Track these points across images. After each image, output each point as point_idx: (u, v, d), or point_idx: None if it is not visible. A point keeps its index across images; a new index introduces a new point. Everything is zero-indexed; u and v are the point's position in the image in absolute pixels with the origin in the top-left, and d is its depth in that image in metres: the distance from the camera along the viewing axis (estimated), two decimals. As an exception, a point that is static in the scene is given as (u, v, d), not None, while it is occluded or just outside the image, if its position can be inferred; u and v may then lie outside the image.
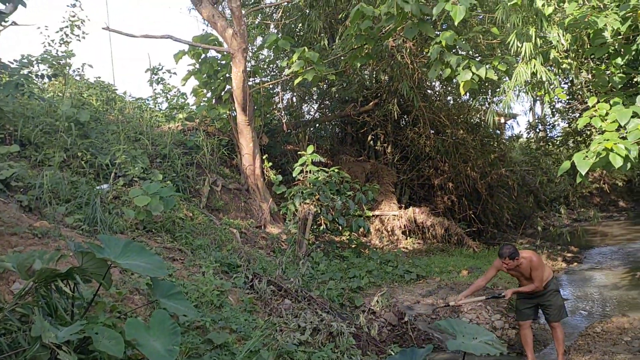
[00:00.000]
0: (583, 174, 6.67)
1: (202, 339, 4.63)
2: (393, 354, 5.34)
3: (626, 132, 6.44)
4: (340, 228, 10.19)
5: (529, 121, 36.57)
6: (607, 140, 6.35)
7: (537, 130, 21.52)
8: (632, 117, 6.48)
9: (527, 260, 6.24)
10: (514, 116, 23.77)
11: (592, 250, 15.32)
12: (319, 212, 9.34)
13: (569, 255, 14.17)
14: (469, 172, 14.24)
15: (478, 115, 14.98)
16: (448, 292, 7.94)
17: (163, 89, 13.31)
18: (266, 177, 10.59)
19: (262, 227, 9.76)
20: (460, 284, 8.35)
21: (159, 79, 13.17)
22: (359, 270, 8.28)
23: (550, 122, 22.10)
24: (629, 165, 6.45)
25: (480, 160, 14.34)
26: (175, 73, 23.54)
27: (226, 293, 5.73)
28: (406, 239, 13.30)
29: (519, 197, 16.45)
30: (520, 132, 25.27)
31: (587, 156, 6.60)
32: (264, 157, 10.57)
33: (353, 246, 11.42)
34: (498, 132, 16.99)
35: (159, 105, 13.20)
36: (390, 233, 13.33)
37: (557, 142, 18.70)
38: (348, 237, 12.02)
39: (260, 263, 7.09)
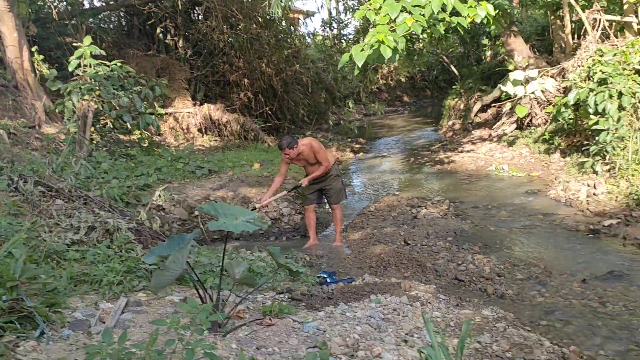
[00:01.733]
0: (359, 65, 7.03)
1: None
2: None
3: (396, 26, 6.83)
4: (129, 126, 9.65)
5: (323, 19, 37.54)
6: (379, 33, 6.70)
7: (332, 27, 22.15)
8: (401, 11, 6.86)
9: (307, 146, 6.50)
10: (310, 14, 24.14)
11: (377, 141, 16.70)
12: (101, 109, 8.68)
13: (357, 146, 15.28)
14: (264, 68, 14.25)
15: (270, 11, 14.81)
16: (239, 185, 8.09)
17: None
18: (38, 72, 9.47)
19: (37, 127, 8.84)
20: (251, 176, 8.54)
21: None
22: (147, 168, 7.99)
23: (344, 20, 22.87)
24: (397, 56, 6.94)
25: (275, 56, 14.39)
26: None
27: (-15, 198, 5.14)
28: (202, 136, 13.14)
29: (314, 94, 17.02)
30: (315, 29, 25.76)
31: (363, 49, 6.92)
32: (33, 49, 9.38)
33: (145, 145, 10.99)
34: (292, 28, 17.09)
35: None
36: (185, 131, 13.05)
37: (350, 40, 19.53)
38: (139, 135, 11.50)
39: (30, 164, 6.45)
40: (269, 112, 14.93)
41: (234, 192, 7.72)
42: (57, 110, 9.07)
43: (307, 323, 3.48)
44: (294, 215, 7.70)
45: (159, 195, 6.15)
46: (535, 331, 3.95)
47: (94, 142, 8.89)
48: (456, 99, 16.68)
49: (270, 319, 3.49)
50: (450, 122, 16.42)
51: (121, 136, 11.10)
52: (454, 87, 17.58)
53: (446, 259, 5.58)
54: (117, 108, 8.94)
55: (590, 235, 6.34)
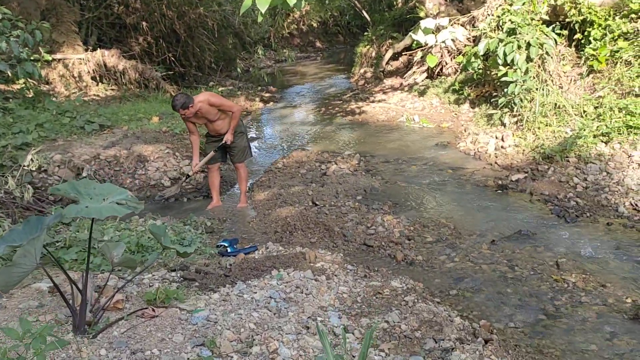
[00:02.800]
0: (263, 12, 6.44)
1: None
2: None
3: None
4: (10, 75, 8.54)
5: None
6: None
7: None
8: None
9: (204, 102, 5.90)
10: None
11: (289, 90, 16.13)
12: (-30, 55, 7.58)
13: (267, 95, 14.66)
14: (164, 10, 13.16)
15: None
16: (134, 141, 7.37)
17: None
18: None
19: None
20: (148, 132, 7.83)
21: None
22: (27, 124, 7.09)
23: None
24: (303, 3, 6.40)
25: (176, -3, 13.32)
26: None
27: None
28: (97, 85, 12.05)
29: (222, 39, 16.07)
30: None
31: (266, -8, 6.32)
32: None
33: (29, 96, 9.90)
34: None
35: None
36: (77, 79, 11.90)
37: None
38: (23, 85, 10.35)
39: None
40: (172, 59, 13.93)
41: (128, 149, 7.01)
42: None
43: (196, 312, 3.06)
44: (195, 174, 7.14)
45: (31, 160, 5.39)
46: (445, 303, 3.75)
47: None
48: (368, 46, 16.32)
49: (153, 310, 3.04)
50: (362, 70, 16.10)
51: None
52: (365, 34, 17.18)
53: (355, 222, 5.30)
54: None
55: (499, 191, 6.27)
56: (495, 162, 7.28)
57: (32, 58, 10.83)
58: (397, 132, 9.63)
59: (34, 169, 5.38)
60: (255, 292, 3.45)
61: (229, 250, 4.66)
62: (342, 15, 25.88)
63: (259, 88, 15.47)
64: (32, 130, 6.95)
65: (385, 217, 5.40)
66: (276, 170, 7.44)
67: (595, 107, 7.40)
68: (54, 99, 10.00)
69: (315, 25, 27.19)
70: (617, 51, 7.77)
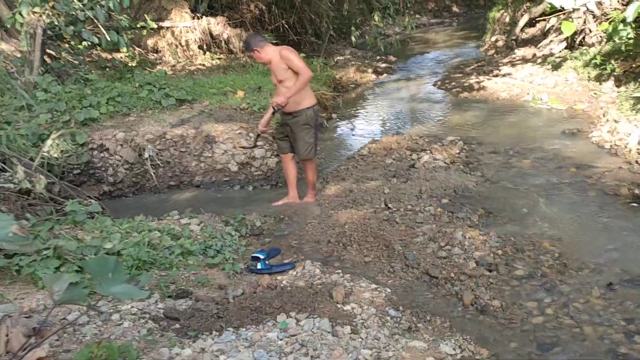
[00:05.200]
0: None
1: None
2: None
3: None
4: (98, 42, 8.27)
5: None
6: None
7: None
8: None
9: (276, 52, 4.92)
10: None
11: (410, 60, 14.82)
12: (57, 23, 7.35)
13: (383, 66, 13.51)
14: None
15: None
16: (206, 119, 6.70)
17: None
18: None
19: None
20: (226, 108, 7.13)
21: None
22: (100, 97, 6.72)
23: None
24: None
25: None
26: None
27: None
28: (204, 54, 11.71)
29: (345, 3, 15.03)
30: None
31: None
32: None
33: (133, 65, 9.74)
34: None
35: None
36: (185, 48, 11.64)
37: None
38: (127, 54, 10.23)
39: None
40: (287, 26, 13.22)
41: (196, 129, 6.37)
42: (8, 25, 7.80)
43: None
44: (268, 159, 6.35)
45: (51, 145, 4.88)
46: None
47: (62, 62, 7.70)
48: (502, 11, 14.44)
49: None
50: (493, 38, 14.34)
51: (105, 55, 9.91)
52: (501, -5, 15.22)
53: (427, 237, 4.19)
54: (79, 22, 7.58)
55: (634, 204, 4.76)
56: (636, 161, 5.66)
57: (138, 26, 10.83)
58: (517, 113, 8.12)
59: (55, 155, 4.89)
60: (240, 351, 2.56)
61: (258, 266, 3.81)
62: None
63: (378, 58, 14.35)
64: (102, 104, 6.56)
65: (468, 232, 4.22)
66: (359, 158, 6.43)
67: None
68: (161, 68, 9.74)
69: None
70: None
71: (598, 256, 3.91)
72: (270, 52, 4.95)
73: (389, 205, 4.87)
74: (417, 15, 24.63)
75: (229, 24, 11.58)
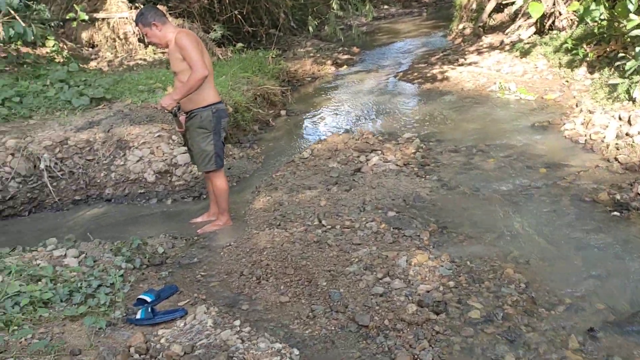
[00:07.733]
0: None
1: None
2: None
3: None
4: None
5: None
6: None
7: None
8: None
9: (173, 35, 3.97)
10: None
11: (373, 50, 13.93)
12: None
13: (344, 57, 12.61)
14: (224, -40, 11.47)
15: None
16: (120, 120, 5.74)
17: None
18: None
19: None
20: (147, 107, 6.16)
21: None
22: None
23: None
24: None
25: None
26: None
27: None
28: (146, 47, 10.71)
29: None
30: None
31: None
32: None
33: (59, 61, 8.73)
34: None
35: None
36: (124, 41, 10.63)
37: None
38: (52, 48, 9.18)
39: None
40: (240, 17, 12.24)
41: (106, 133, 5.43)
42: None
43: None
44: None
45: None
46: None
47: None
48: (469, -3, 13.65)
49: None
50: (460, 26, 13.52)
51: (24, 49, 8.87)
52: (468, -19, 14.41)
53: (362, 265, 3.32)
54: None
55: (615, 213, 3.95)
56: (615, 158, 4.87)
57: (67, 17, 9.81)
58: (483, 105, 7.30)
59: None
60: None
61: (138, 315, 2.90)
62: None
63: (340, 49, 13.45)
64: (-3, 106, 5.58)
65: (415, 257, 3.37)
66: (299, 162, 5.53)
67: None
68: (97, 64, 8.75)
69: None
70: None
71: (575, 285, 3.08)
72: (169, 35, 3.98)
73: (323, 222, 4.00)
74: (386, 6, 23.87)
75: (170, 13, 10.58)
